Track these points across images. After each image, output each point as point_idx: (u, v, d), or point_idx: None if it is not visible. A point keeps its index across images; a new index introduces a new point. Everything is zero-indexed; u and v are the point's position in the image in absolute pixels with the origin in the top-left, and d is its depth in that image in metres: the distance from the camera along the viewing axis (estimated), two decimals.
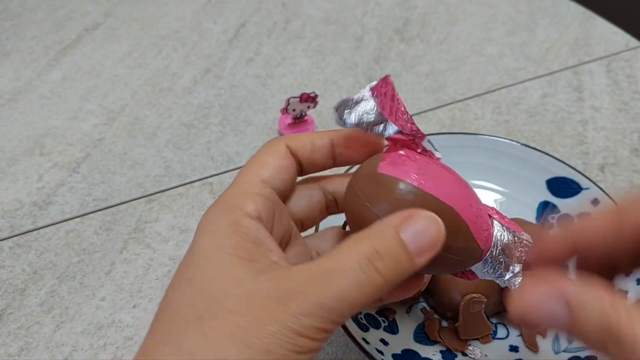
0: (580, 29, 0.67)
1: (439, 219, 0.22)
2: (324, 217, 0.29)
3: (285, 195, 0.27)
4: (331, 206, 0.29)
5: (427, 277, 0.36)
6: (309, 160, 0.26)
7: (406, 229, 0.21)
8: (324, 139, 0.27)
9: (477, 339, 0.36)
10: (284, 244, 0.26)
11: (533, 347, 0.35)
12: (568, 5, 0.71)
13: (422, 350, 0.35)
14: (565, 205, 0.42)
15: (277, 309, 0.20)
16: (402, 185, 0.23)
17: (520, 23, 0.68)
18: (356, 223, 0.24)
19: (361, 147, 0.27)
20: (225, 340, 0.20)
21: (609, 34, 0.66)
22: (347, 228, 0.29)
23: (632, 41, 0.65)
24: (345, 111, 0.26)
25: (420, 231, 0.21)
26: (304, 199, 0.28)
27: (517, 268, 0.25)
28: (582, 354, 0.34)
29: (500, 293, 0.36)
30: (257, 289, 0.21)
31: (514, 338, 0.36)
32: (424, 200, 0.23)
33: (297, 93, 0.50)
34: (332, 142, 0.27)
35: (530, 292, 0.20)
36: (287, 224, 0.26)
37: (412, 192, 0.23)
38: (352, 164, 0.28)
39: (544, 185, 0.43)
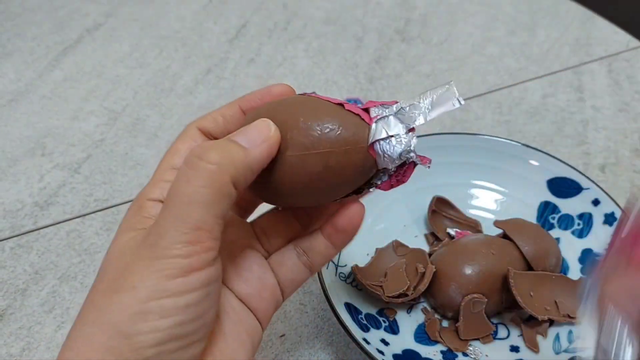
0: (581, 29, 0.67)
1: (267, 120, 0.24)
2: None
3: None
4: None
5: (427, 277, 0.36)
6: (225, 133, 0.27)
7: (237, 133, 0.24)
8: (233, 107, 0.27)
9: (478, 339, 0.36)
10: None
11: (533, 347, 0.35)
12: (569, 5, 0.71)
13: (423, 350, 0.35)
14: (565, 205, 0.42)
15: (141, 249, 0.22)
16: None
17: (521, 23, 0.68)
18: None
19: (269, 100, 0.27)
20: (100, 295, 0.22)
21: (609, 34, 0.66)
22: None
23: (632, 41, 0.65)
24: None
25: (249, 129, 0.23)
26: None
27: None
28: (583, 355, 0.34)
29: (502, 293, 0.36)
30: (130, 241, 0.23)
31: (515, 338, 0.36)
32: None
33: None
34: (240, 108, 0.27)
35: None
36: None
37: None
38: None
39: (545, 185, 0.43)
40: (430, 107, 0.24)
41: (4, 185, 0.48)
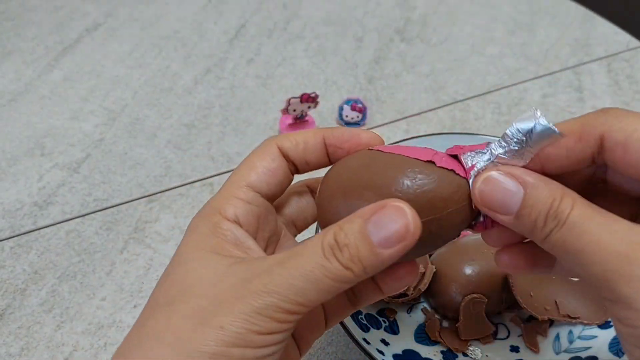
0: (581, 29, 0.67)
1: (410, 209, 0.21)
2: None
3: (275, 197, 0.26)
4: None
5: (428, 277, 0.36)
6: (303, 160, 0.26)
7: (373, 220, 0.21)
8: (317, 137, 0.26)
9: (478, 339, 0.36)
10: (272, 246, 0.27)
11: (533, 348, 0.35)
12: (568, 5, 0.71)
13: (423, 350, 0.35)
14: None
15: (240, 288, 0.21)
16: (372, 154, 0.23)
17: (521, 23, 0.68)
18: (325, 217, 0.24)
19: (355, 145, 0.26)
20: (183, 321, 0.21)
21: (609, 34, 0.66)
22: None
23: (632, 41, 0.65)
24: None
25: (386, 222, 0.21)
26: (293, 201, 0.28)
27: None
28: (583, 354, 0.34)
29: (502, 293, 0.36)
30: (227, 273, 0.22)
31: (515, 338, 0.36)
32: (400, 163, 0.23)
33: (298, 93, 0.50)
34: (324, 140, 0.26)
35: (494, 175, 0.22)
36: (274, 227, 0.26)
37: (387, 156, 0.23)
38: None
39: None
40: (527, 145, 0.22)
41: (3, 185, 0.48)
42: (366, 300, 0.27)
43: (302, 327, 0.26)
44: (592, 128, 0.22)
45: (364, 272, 0.21)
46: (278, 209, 0.28)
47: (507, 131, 0.22)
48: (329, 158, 0.27)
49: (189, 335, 0.20)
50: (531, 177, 0.22)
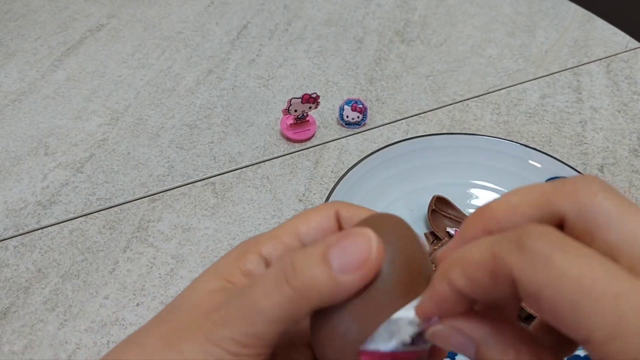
0: (580, 30, 0.67)
1: (373, 235, 0.20)
2: None
3: None
4: None
5: None
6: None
7: (335, 245, 0.20)
8: (328, 215, 0.25)
9: None
10: None
11: None
12: (568, 6, 0.71)
13: None
14: None
15: (204, 318, 0.21)
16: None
17: (520, 24, 0.68)
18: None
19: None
20: (155, 339, 0.21)
21: (608, 35, 0.66)
22: None
23: (631, 42, 0.65)
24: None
25: (347, 245, 0.20)
26: None
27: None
28: (582, 352, 0.34)
29: None
30: (209, 299, 0.22)
31: None
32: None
33: (299, 94, 0.50)
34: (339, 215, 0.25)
35: (446, 328, 0.20)
36: None
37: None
38: None
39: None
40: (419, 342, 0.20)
41: (7, 185, 0.48)
42: None
43: None
44: (502, 266, 0.17)
45: (319, 298, 0.20)
46: None
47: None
48: None
49: (153, 353, 0.21)
50: (480, 332, 0.19)
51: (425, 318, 0.20)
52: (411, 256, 0.21)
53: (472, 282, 0.18)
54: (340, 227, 0.24)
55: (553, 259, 0.16)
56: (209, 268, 0.24)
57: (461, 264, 0.19)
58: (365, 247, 0.20)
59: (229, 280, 0.23)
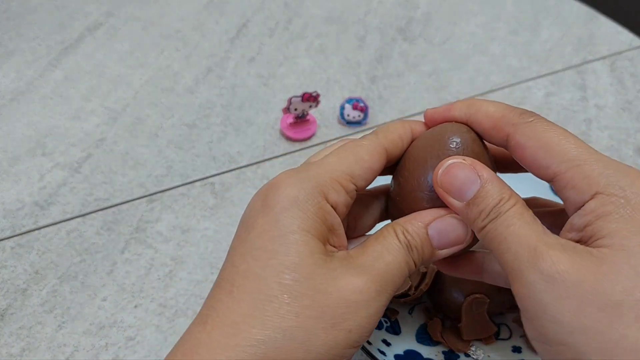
0: (584, 28, 0.67)
1: (466, 224, 0.25)
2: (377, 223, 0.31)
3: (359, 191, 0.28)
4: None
5: (429, 277, 0.36)
6: (393, 156, 0.28)
7: (435, 227, 0.25)
8: (407, 131, 0.28)
9: (480, 340, 0.36)
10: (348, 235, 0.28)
11: None
12: (572, 4, 0.70)
13: (425, 350, 0.35)
14: None
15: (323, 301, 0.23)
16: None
17: (524, 22, 0.67)
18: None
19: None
20: (248, 305, 0.23)
21: (612, 33, 0.66)
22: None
23: (636, 40, 0.65)
24: None
25: (446, 230, 0.25)
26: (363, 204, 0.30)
27: None
28: None
29: (504, 293, 0.36)
30: (323, 274, 0.23)
31: (517, 339, 0.36)
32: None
33: (299, 92, 0.50)
34: (412, 133, 0.28)
35: (459, 163, 0.25)
36: (346, 219, 0.28)
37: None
38: None
39: (547, 184, 0.43)
40: None
41: (4, 185, 0.48)
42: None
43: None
44: (505, 123, 0.25)
45: (423, 264, 0.27)
46: None
47: None
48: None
49: (246, 318, 0.22)
50: (488, 174, 0.24)
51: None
52: (477, 153, 0.26)
53: (481, 124, 0.26)
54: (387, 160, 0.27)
55: (542, 129, 0.25)
56: (288, 220, 0.24)
57: (480, 110, 0.26)
58: (462, 229, 0.26)
59: (329, 244, 0.25)
